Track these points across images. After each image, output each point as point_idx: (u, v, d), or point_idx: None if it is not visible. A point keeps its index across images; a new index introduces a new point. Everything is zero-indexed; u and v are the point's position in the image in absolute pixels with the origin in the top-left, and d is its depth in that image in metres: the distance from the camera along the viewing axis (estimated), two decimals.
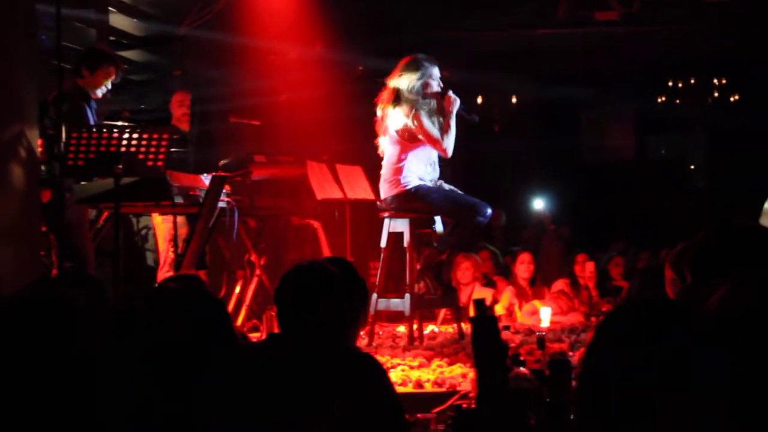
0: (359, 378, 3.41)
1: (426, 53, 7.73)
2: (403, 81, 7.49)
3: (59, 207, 7.06)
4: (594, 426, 1.90)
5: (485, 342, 3.72)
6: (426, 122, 7.43)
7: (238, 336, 4.46)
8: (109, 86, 8.05)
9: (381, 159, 7.69)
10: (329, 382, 3.35)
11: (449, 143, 7.47)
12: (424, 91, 7.49)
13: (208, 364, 3.39)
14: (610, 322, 2.00)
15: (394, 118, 7.49)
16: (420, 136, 7.44)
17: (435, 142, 7.47)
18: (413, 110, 7.40)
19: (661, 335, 1.86)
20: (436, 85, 7.56)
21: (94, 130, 6.92)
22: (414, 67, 7.52)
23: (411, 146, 7.48)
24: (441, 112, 7.56)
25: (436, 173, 7.69)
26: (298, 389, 3.34)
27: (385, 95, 7.59)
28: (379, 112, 7.63)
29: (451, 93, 7.55)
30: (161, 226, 8.91)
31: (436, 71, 7.59)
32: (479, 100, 17.12)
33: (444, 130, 7.46)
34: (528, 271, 10.29)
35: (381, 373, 3.55)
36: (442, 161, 7.81)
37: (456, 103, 7.52)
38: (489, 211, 7.56)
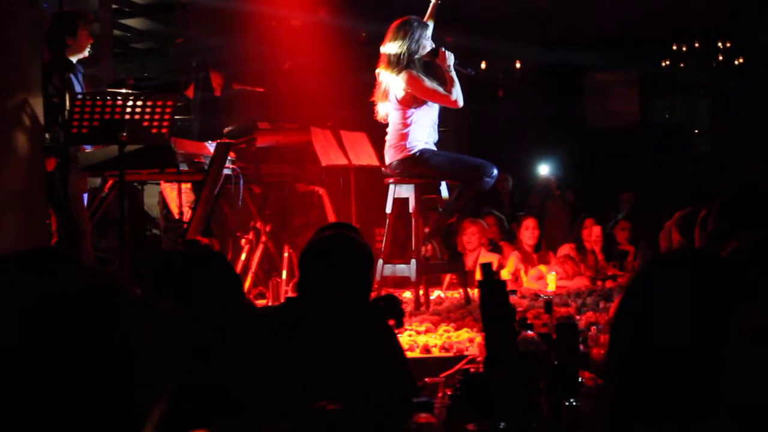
0: (374, 337, 3.48)
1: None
2: (395, 47, 7.47)
3: (64, 174, 7.06)
4: (627, 385, 1.87)
5: (493, 306, 3.73)
6: (427, 83, 7.43)
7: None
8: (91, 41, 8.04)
9: (383, 124, 7.69)
10: (346, 342, 3.42)
11: (457, 94, 7.46)
12: (417, 54, 7.48)
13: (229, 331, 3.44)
14: (647, 275, 1.96)
15: (394, 85, 7.48)
16: (425, 99, 7.45)
17: (443, 98, 7.48)
18: (411, 75, 7.39)
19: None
20: (428, 46, 7.54)
21: (98, 97, 6.90)
22: (403, 31, 7.49)
23: (414, 110, 7.47)
24: (436, 71, 7.56)
25: (437, 135, 7.69)
26: (318, 348, 3.41)
27: (381, 61, 7.58)
28: (379, 78, 7.62)
29: (443, 48, 7.53)
30: (170, 194, 8.91)
31: (427, 32, 7.57)
32: (483, 65, 17.09)
33: (449, 83, 7.45)
34: (533, 236, 10.27)
35: (392, 333, 3.64)
36: (447, 126, 7.80)
37: (450, 58, 7.49)
38: (495, 171, 7.54)
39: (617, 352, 1.94)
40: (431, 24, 7.67)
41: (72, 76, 7.68)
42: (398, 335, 6.18)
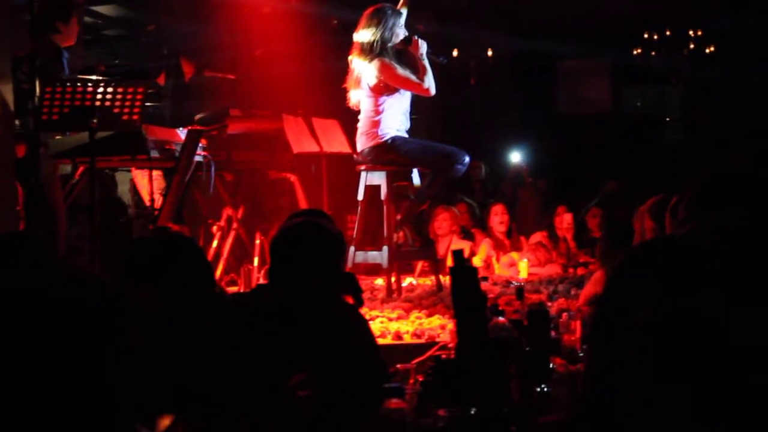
0: (344, 324, 3.49)
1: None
2: (368, 34, 7.46)
3: (35, 161, 7.02)
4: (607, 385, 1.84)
5: (465, 292, 3.73)
6: (399, 71, 7.42)
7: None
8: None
9: (355, 112, 7.68)
10: (318, 328, 3.43)
11: (430, 82, 7.46)
12: (390, 42, 7.46)
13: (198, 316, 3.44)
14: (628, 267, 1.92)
15: (367, 73, 7.47)
16: (398, 87, 7.44)
17: (415, 86, 7.47)
18: (383, 63, 7.38)
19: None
20: (401, 34, 7.53)
21: (69, 84, 6.87)
22: (377, 18, 7.48)
23: (386, 97, 7.46)
24: (408, 59, 7.56)
25: (408, 123, 7.69)
26: (289, 334, 3.42)
27: (354, 49, 7.57)
28: (352, 65, 7.62)
29: (416, 37, 7.52)
30: (141, 180, 8.88)
31: (400, 20, 7.56)
32: (455, 53, 17.08)
33: (421, 71, 7.45)
34: (502, 222, 10.28)
35: (364, 320, 3.66)
36: (417, 113, 7.80)
37: (423, 46, 7.49)
38: (467, 158, 7.55)
39: (597, 353, 1.91)
40: (405, 12, 7.66)
41: (61, 62, 7.64)
42: (370, 321, 6.21)
